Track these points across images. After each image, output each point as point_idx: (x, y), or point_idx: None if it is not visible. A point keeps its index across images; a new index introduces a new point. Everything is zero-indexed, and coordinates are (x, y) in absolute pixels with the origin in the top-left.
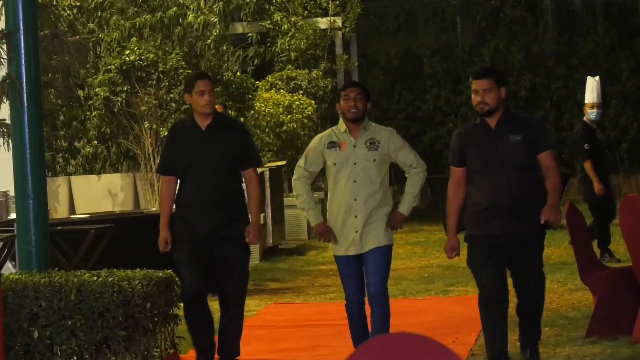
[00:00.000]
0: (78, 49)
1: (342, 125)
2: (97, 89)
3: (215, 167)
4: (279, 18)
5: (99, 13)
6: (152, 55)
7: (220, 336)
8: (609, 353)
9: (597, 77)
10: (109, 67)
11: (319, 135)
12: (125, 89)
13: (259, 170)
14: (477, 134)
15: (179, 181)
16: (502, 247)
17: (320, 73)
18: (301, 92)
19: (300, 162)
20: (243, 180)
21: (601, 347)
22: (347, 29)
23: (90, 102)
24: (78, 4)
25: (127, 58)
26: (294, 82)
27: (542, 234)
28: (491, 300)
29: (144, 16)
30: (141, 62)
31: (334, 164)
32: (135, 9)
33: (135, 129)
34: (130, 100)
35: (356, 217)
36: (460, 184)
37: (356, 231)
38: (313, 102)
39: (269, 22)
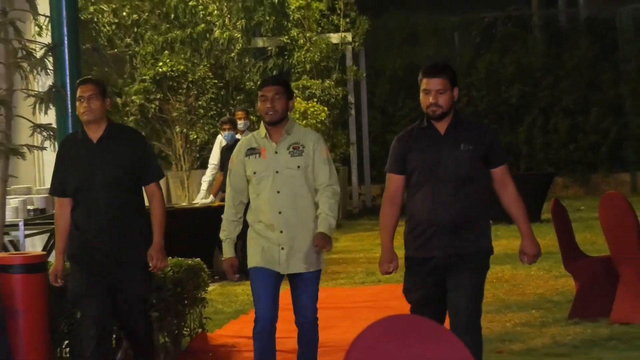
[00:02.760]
0: (116, 61)
1: (262, 129)
2: (133, 97)
3: (109, 184)
4: (295, 33)
5: (135, 29)
6: (182, 67)
7: None
8: (589, 333)
9: None
10: (143, 77)
11: (240, 142)
12: (158, 96)
13: None
14: (423, 139)
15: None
16: (438, 273)
17: (332, 83)
18: (315, 99)
19: (227, 181)
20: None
21: (582, 328)
22: (357, 43)
23: (127, 108)
24: (116, 20)
25: (160, 69)
26: (308, 90)
27: (487, 256)
28: None
29: (175, 32)
30: (172, 73)
31: (254, 173)
32: (168, 25)
33: (167, 133)
34: (162, 106)
35: (281, 232)
36: (398, 194)
37: (282, 248)
38: (326, 108)
39: (286, 37)
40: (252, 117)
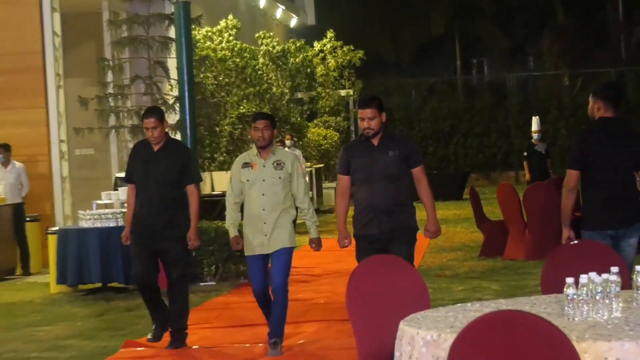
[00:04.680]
0: (215, 106)
1: (254, 149)
2: (225, 127)
3: (159, 181)
4: (320, 90)
5: (227, 87)
6: (254, 109)
7: (171, 314)
8: (491, 265)
9: (537, 116)
10: (231, 115)
11: (238, 158)
12: (240, 127)
13: (312, 167)
14: (362, 149)
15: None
16: (379, 245)
17: (341, 118)
18: (331, 128)
19: (229, 185)
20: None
21: (487, 262)
22: (355, 95)
23: (222, 133)
24: (215, 82)
25: (241, 111)
26: (327, 123)
27: (414, 232)
28: None
29: (249, 89)
30: (248, 113)
31: (247, 180)
32: (245, 85)
33: (245, 148)
34: (242, 132)
35: (265, 223)
36: (346, 190)
37: (265, 235)
38: (337, 134)
39: (315, 92)
40: (295, 138)
